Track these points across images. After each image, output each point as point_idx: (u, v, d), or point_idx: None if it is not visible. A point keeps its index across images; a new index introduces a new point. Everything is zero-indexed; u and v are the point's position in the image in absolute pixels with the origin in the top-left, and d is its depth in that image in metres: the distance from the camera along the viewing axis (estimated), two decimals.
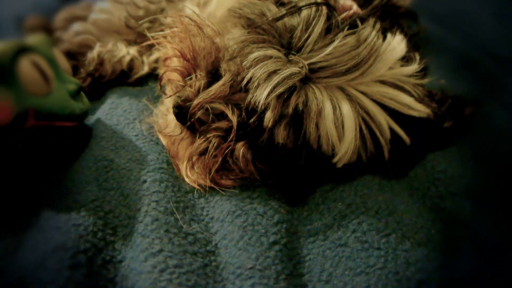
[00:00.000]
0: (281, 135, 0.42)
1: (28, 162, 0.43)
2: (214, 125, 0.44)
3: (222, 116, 0.44)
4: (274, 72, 0.41)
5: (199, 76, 0.45)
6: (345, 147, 0.43)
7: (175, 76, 0.48)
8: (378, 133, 0.44)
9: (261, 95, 0.41)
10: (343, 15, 0.45)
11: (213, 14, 0.58)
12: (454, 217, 0.45)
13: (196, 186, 0.46)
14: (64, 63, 0.47)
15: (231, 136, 0.43)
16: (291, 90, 0.41)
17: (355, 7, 0.49)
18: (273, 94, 0.40)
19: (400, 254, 0.41)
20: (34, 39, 0.42)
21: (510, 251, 0.43)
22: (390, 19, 0.51)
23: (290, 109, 0.41)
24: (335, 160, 0.43)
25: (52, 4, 0.80)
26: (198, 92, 0.44)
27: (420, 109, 0.45)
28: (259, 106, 0.41)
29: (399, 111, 0.45)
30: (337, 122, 0.42)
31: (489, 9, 0.81)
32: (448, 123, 0.50)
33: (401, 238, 0.42)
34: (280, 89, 0.40)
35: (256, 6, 0.47)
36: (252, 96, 0.41)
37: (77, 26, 0.64)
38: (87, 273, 0.37)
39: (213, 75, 0.45)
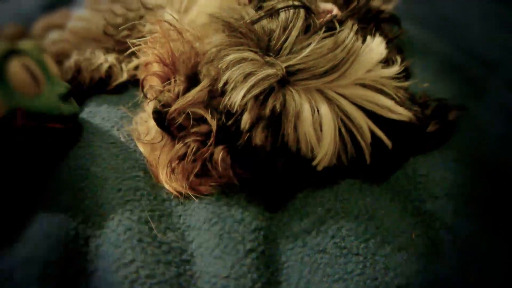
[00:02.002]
0: (258, 137, 0.41)
1: (17, 162, 0.44)
2: (193, 130, 0.43)
3: (202, 120, 0.43)
4: (250, 73, 0.40)
5: (178, 81, 0.44)
6: (324, 150, 0.42)
7: (155, 81, 0.47)
8: (358, 136, 0.43)
9: (236, 96, 0.40)
10: (322, 19, 0.45)
11: (194, 20, 0.57)
12: (435, 220, 0.45)
13: (174, 192, 0.45)
14: (53, 67, 0.48)
15: (211, 140, 0.42)
16: (268, 92, 0.40)
17: (335, 11, 0.49)
18: (249, 95, 0.40)
19: (379, 259, 0.40)
20: (25, 44, 0.45)
21: (492, 254, 0.42)
22: (374, 23, 0.51)
23: (267, 111, 0.40)
24: (314, 162, 0.42)
25: (32, 13, 0.79)
26: (177, 97, 0.43)
27: (400, 112, 0.44)
28: (235, 108, 0.40)
29: (379, 114, 0.44)
30: (316, 124, 0.41)
31: (473, 12, 0.81)
32: (432, 127, 0.49)
33: (381, 243, 0.41)
34: (256, 90, 0.40)
35: (235, 11, 0.46)
36: (229, 98, 0.41)
37: (54, 35, 0.64)
38: (57, 285, 0.36)
39: (192, 80, 0.44)
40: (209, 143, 0.43)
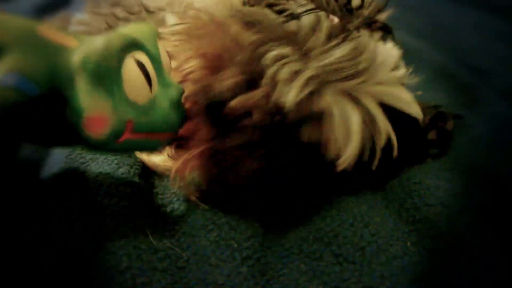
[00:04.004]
0: (307, 133, 0.40)
1: None
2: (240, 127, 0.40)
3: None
4: (298, 71, 0.39)
5: (231, 73, 0.39)
6: (351, 151, 0.41)
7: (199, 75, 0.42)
8: (377, 140, 0.43)
9: (288, 94, 0.38)
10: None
11: None
12: (430, 229, 0.45)
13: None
14: (167, 60, 0.39)
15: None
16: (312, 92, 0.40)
17: (336, 20, 0.49)
18: (302, 94, 0.39)
19: (375, 268, 0.40)
20: (139, 28, 0.36)
21: (488, 263, 0.42)
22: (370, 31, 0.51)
23: (316, 109, 0.39)
24: (339, 163, 0.41)
25: (29, 15, 0.78)
26: (234, 89, 0.39)
27: (417, 110, 0.45)
28: (288, 107, 0.38)
29: (399, 112, 0.44)
30: (345, 126, 0.41)
31: (467, 22, 0.82)
32: (431, 135, 0.50)
33: (377, 251, 0.41)
34: (306, 90, 0.39)
35: (254, 12, 0.45)
36: (278, 96, 0.39)
37: None
38: None
39: (248, 76, 0.40)
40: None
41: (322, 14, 0.43)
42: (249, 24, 0.43)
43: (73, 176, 0.44)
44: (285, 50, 0.40)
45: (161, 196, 0.46)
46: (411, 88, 0.63)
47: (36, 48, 0.32)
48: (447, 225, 0.45)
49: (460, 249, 0.43)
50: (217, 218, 0.43)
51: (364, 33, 0.44)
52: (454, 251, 0.43)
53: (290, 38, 0.41)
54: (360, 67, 0.42)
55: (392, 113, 0.44)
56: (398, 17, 0.85)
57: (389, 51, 0.46)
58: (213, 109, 0.39)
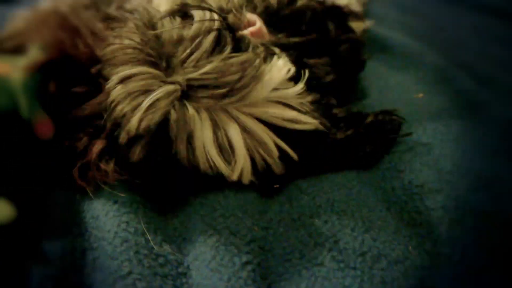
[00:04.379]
0: (136, 154, 0.41)
1: None
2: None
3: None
4: (146, 92, 0.40)
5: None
6: (240, 166, 0.42)
7: None
8: (264, 153, 0.44)
9: (131, 122, 0.40)
10: (244, 31, 0.45)
11: None
12: (431, 232, 0.45)
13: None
14: None
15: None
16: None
17: (258, 23, 0.48)
18: (144, 123, 0.39)
19: (376, 273, 0.40)
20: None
21: (489, 267, 0.42)
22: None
23: (149, 127, 0.40)
24: (232, 178, 0.43)
25: None
26: None
27: (305, 121, 0.45)
28: (132, 132, 0.40)
29: (285, 127, 0.44)
30: (222, 143, 0.41)
31: (466, 25, 0.82)
32: (341, 134, 0.49)
33: (378, 256, 0.41)
34: (152, 116, 0.39)
35: (150, 14, 0.44)
36: (121, 117, 0.40)
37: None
38: None
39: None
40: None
41: (215, 23, 0.42)
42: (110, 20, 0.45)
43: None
44: (138, 68, 0.40)
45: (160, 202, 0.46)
46: (413, 91, 0.65)
47: None
48: (449, 229, 0.45)
49: (462, 253, 0.43)
50: (217, 223, 0.43)
51: (257, 51, 0.43)
52: (456, 255, 0.43)
53: (160, 51, 0.41)
54: (236, 84, 0.41)
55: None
56: (400, 20, 0.87)
57: (278, 67, 0.44)
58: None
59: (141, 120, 0.39)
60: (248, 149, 0.43)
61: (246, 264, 0.40)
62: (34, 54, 0.47)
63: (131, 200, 0.44)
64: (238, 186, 0.46)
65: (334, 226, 0.44)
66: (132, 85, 0.40)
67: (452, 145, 0.53)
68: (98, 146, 0.44)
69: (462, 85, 0.66)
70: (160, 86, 0.39)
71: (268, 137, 0.43)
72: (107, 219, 0.42)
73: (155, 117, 0.39)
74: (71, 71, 0.46)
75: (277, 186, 0.48)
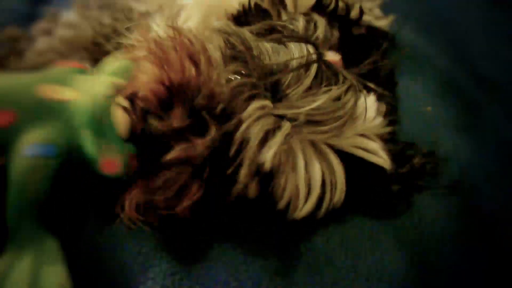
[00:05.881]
0: (252, 190, 0.41)
1: None
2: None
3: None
4: (273, 130, 0.39)
5: (177, 112, 0.39)
6: (311, 203, 0.42)
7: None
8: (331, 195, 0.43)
9: (266, 154, 0.39)
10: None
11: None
12: (440, 274, 0.47)
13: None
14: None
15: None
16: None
17: (337, 55, 0.47)
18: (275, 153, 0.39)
19: None
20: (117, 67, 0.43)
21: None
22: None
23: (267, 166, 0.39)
24: (297, 214, 0.42)
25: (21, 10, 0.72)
26: (171, 131, 0.38)
27: (383, 156, 0.45)
28: (266, 166, 0.39)
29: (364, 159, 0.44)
30: (306, 179, 0.41)
31: (475, 21, 0.79)
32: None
33: None
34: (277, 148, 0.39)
35: (242, 37, 0.43)
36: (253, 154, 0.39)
37: (41, 44, 0.58)
38: None
39: (196, 116, 0.39)
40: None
41: (312, 53, 0.42)
42: (230, 56, 0.42)
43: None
44: (262, 102, 0.39)
45: (178, 248, 0.45)
46: (422, 102, 0.64)
47: (44, 114, 0.39)
48: (457, 272, 0.47)
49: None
50: (239, 273, 0.44)
51: (350, 85, 0.43)
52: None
53: (266, 79, 0.41)
54: (335, 122, 0.41)
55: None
56: (405, 10, 0.83)
57: (368, 104, 0.44)
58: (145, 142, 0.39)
59: (275, 155, 0.39)
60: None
61: None
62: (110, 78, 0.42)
63: (154, 249, 0.44)
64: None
65: (349, 272, 0.45)
66: (263, 123, 0.39)
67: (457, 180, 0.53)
68: (196, 186, 0.40)
69: (469, 97, 0.66)
70: (284, 122, 0.40)
71: (341, 177, 0.42)
72: (133, 276, 0.42)
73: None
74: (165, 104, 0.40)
75: None
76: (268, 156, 0.38)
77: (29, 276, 0.36)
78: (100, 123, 0.39)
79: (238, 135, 0.39)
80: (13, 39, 0.64)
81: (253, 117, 0.39)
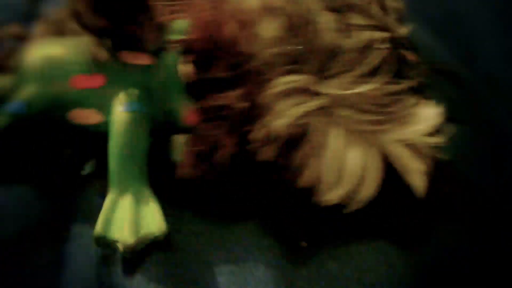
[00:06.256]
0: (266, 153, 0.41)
1: None
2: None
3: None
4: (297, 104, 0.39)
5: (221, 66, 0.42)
6: (341, 191, 0.41)
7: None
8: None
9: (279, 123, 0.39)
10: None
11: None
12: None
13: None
14: None
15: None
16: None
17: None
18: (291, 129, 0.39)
19: None
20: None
21: None
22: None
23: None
24: (324, 201, 0.42)
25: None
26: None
27: (419, 184, 0.42)
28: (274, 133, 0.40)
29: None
30: (334, 164, 0.40)
31: (486, 11, 0.77)
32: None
33: None
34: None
35: (301, 7, 0.41)
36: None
37: None
38: None
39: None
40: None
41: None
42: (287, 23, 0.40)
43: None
44: (296, 77, 0.39)
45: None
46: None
47: (129, 77, 0.47)
48: None
49: None
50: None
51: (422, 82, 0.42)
52: None
53: (318, 54, 0.39)
54: (384, 116, 0.39)
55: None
56: (414, 7, 0.80)
57: (429, 114, 0.42)
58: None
59: (289, 125, 0.39)
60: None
61: None
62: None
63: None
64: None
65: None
66: (290, 90, 0.39)
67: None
68: (232, 140, 0.42)
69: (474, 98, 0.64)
70: (314, 97, 0.39)
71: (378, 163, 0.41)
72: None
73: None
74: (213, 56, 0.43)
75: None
76: (278, 124, 0.39)
77: (132, 214, 0.42)
78: (177, 79, 0.45)
79: (261, 98, 0.40)
80: (16, 37, 0.63)
81: (283, 87, 0.39)
